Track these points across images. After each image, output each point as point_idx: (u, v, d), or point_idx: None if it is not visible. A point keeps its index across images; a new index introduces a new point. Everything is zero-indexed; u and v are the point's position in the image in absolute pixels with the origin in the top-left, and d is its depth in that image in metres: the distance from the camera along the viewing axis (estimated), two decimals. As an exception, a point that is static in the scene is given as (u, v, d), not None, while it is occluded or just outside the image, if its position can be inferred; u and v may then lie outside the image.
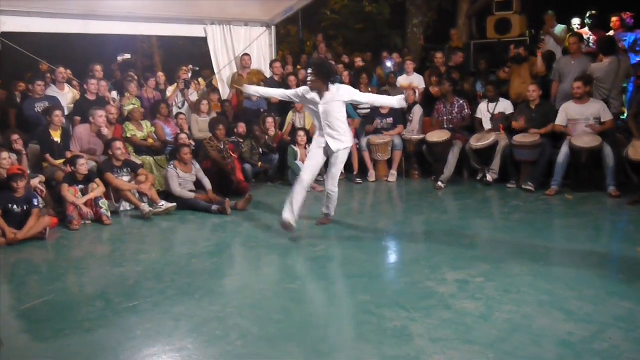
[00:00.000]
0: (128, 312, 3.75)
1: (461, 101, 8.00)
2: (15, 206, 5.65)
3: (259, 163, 8.20)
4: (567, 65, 7.54)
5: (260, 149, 8.17)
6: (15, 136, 6.51)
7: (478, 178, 7.74)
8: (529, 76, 7.92)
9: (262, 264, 5.00)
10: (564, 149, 6.73)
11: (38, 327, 3.62)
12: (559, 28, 9.08)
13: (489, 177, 7.37)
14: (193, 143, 7.62)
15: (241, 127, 8.31)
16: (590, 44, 8.82)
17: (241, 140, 8.17)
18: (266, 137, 8.18)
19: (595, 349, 3.00)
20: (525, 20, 9.87)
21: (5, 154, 6.08)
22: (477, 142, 7.44)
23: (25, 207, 5.69)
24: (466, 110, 7.98)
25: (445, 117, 8.02)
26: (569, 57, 7.68)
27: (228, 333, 3.37)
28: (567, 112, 6.97)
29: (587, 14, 9.25)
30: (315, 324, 3.47)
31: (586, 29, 9.20)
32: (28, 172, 6.17)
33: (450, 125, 7.92)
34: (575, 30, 9.27)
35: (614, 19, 8.81)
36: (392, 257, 4.97)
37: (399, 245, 5.22)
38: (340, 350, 3.12)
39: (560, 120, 7.00)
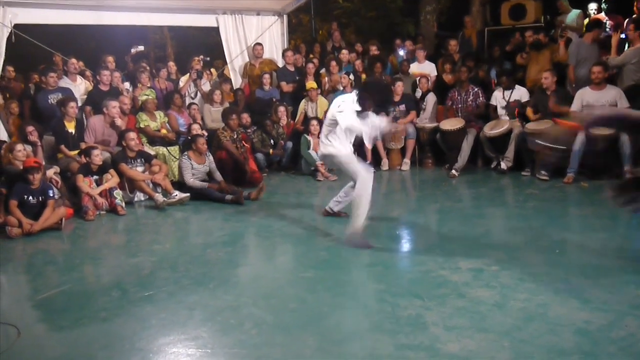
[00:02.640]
0: (144, 302, 3.78)
1: (476, 89, 7.94)
2: (31, 197, 5.70)
3: (271, 150, 8.19)
4: (584, 50, 7.45)
5: (272, 140, 8.16)
6: (30, 128, 6.55)
7: (492, 166, 7.68)
8: (548, 63, 7.81)
9: (276, 253, 5.01)
10: (580, 137, 6.64)
11: (55, 317, 3.66)
12: (574, 14, 8.95)
13: (503, 166, 7.31)
14: (206, 133, 7.63)
15: (244, 118, 8.25)
16: (607, 29, 8.69)
17: (249, 131, 8.17)
18: (275, 125, 8.15)
19: (612, 337, 2.97)
20: (540, 6, 9.73)
21: (20, 146, 6.12)
22: (491, 130, 7.38)
23: (41, 199, 5.73)
24: (481, 98, 7.91)
25: (459, 105, 7.96)
26: (585, 41, 7.58)
27: (243, 322, 3.38)
28: (583, 98, 6.88)
29: (604, -1, 9.12)
30: (330, 313, 3.47)
31: (603, 14, 9.06)
32: (43, 163, 6.22)
33: (465, 113, 7.86)
34: (592, 15, 9.14)
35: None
36: (406, 246, 4.96)
37: (413, 234, 5.20)
38: (355, 339, 3.12)
39: (575, 106, 6.91)
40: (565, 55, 7.70)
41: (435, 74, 8.80)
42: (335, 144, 5.02)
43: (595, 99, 6.78)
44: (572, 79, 7.61)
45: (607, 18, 8.90)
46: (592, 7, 9.37)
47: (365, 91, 5.02)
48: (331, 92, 8.82)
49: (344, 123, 4.88)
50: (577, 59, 7.52)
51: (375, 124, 5.00)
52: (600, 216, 5.36)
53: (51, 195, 5.79)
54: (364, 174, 4.83)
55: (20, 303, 4.02)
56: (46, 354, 3.18)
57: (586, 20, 9.19)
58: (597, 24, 7.89)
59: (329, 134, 5.07)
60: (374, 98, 4.99)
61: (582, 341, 2.95)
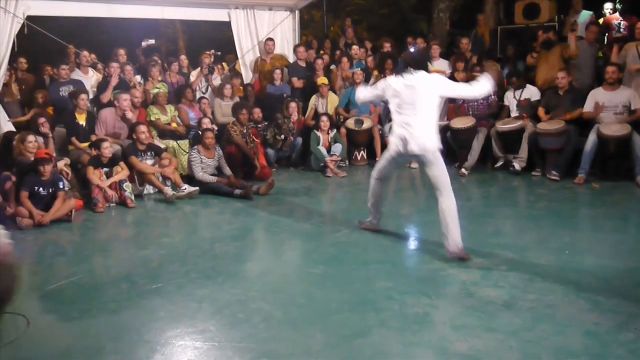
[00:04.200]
0: (152, 294, 3.80)
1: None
2: (41, 189, 5.73)
3: (281, 141, 8.14)
4: (582, 50, 7.50)
5: (283, 135, 8.16)
6: (42, 119, 6.60)
7: (497, 166, 7.64)
8: (558, 62, 7.75)
9: (284, 248, 5.02)
10: (591, 137, 6.60)
11: (64, 308, 3.69)
12: (585, 14, 8.89)
13: (517, 166, 7.22)
14: (216, 128, 7.64)
15: (256, 113, 8.26)
16: (622, 30, 8.62)
17: (260, 126, 8.17)
18: (285, 121, 8.14)
19: (622, 340, 2.96)
20: (555, 5, 9.65)
21: (31, 137, 6.15)
22: (503, 125, 7.33)
23: (51, 190, 5.77)
24: (492, 97, 7.87)
25: (471, 104, 7.92)
26: (583, 43, 7.59)
27: (251, 316, 3.39)
28: (596, 99, 6.83)
29: (618, -1, 9.05)
30: (338, 309, 3.47)
31: (617, 14, 8.99)
32: (54, 155, 6.25)
33: (476, 112, 7.82)
34: (607, 15, 9.07)
35: None
36: (415, 244, 4.95)
37: (422, 232, 5.19)
38: (362, 336, 3.12)
39: (588, 107, 6.87)
40: (576, 50, 7.63)
41: (450, 71, 8.75)
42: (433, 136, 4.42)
43: (608, 99, 6.74)
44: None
45: (621, 18, 8.83)
46: (608, 7, 9.30)
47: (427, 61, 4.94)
48: (342, 88, 8.81)
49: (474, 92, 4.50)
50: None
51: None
52: (611, 217, 5.33)
53: (61, 186, 5.82)
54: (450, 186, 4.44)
55: (30, 293, 4.04)
56: (55, 344, 3.20)
57: (600, 20, 9.12)
58: (596, 24, 7.90)
59: (429, 123, 4.41)
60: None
61: (591, 343, 2.94)
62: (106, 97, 7.49)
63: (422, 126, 4.37)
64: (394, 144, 4.52)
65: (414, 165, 7.42)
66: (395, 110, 4.51)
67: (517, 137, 7.26)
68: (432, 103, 4.42)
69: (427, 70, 4.58)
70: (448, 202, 4.37)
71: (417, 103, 4.38)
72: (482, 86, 4.45)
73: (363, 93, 4.88)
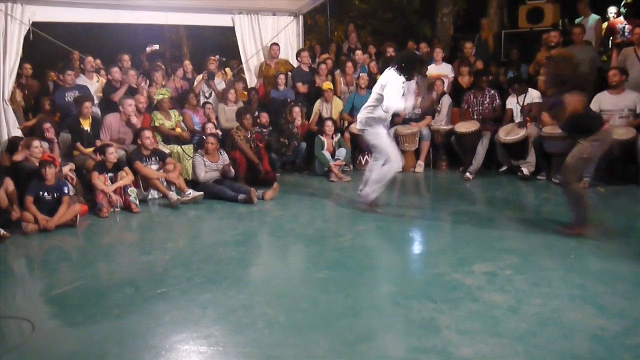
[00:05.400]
0: (157, 299, 3.80)
1: (492, 91, 7.89)
2: (46, 194, 5.75)
3: (284, 145, 8.13)
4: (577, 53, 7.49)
5: (287, 140, 8.16)
6: (47, 125, 6.62)
7: (501, 170, 7.62)
8: None
9: (289, 253, 5.02)
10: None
11: (69, 313, 3.69)
12: (593, 18, 8.87)
13: (525, 171, 7.18)
14: (220, 133, 7.65)
15: (264, 118, 8.30)
16: (626, 33, 8.60)
17: (265, 131, 8.18)
18: (289, 126, 8.15)
19: (628, 345, 2.94)
20: (559, 9, 9.64)
21: (37, 143, 6.17)
22: (506, 135, 7.31)
23: (56, 195, 5.78)
24: (497, 101, 7.86)
25: (475, 108, 7.91)
26: (574, 47, 7.58)
27: (255, 321, 3.39)
28: (601, 103, 6.80)
29: (623, 3, 9.04)
30: (342, 314, 3.46)
31: (621, 17, 8.97)
32: (59, 160, 6.27)
33: (480, 117, 7.81)
34: (612, 18, 9.06)
35: None
36: (420, 249, 4.94)
37: (427, 237, 5.18)
38: (367, 341, 3.11)
39: (592, 110, 6.84)
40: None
41: (453, 75, 8.75)
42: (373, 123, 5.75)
43: (613, 104, 6.71)
44: None
45: (625, 22, 8.81)
46: (612, 10, 9.28)
47: (405, 60, 5.61)
48: (346, 93, 8.81)
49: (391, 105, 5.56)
50: None
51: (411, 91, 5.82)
52: (616, 221, 5.31)
53: (66, 191, 5.83)
54: (396, 158, 5.78)
55: (35, 298, 4.06)
56: (60, 349, 3.20)
57: (605, 24, 9.10)
58: (580, 26, 7.94)
59: (370, 112, 5.77)
60: (414, 65, 5.64)
61: (597, 347, 2.92)
62: (117, 96, 7.52)
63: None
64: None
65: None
66: None
67: (522, 145, 7.23)
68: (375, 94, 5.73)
69: (402, 69, 5.54)
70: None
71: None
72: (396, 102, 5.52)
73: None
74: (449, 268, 4.16)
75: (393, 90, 5.51)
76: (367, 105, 5.84)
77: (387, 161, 5.77)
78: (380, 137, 5.81)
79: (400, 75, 5.55)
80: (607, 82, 6.83)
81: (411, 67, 5.59)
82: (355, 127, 6.07)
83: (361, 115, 5.88)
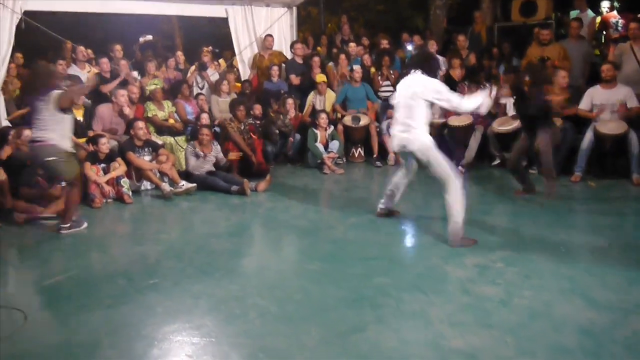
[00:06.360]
0: (149, 290, 3.80)
1: (487, 85, 7.89)
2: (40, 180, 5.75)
3: (276, 135, 8.12)
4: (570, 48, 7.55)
5: (277, 131, 8.15)
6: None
7: (494, 164, 7.65)
8: (556, 61, 7.74)
9: (281, 245, 5.03)
10: (588, 135, 6.62)
11: (61, 303, 3.69)
12: (590, 14, 8.90)
13: None
14: (216, 122, 7.64)
15: (257, 109, 8.28)
16: (619, 28, 8.64)
17: (258, 122, 8.17)
18: (281, 117, 8.14)
19: (617, 337, 2.97)
20: (552, 3, 9.66)
21: (27, 132, 6.11)
22: (499, 126, 7.34)
23: (47, 182, 5.78)
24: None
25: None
26: (569, 41, 7.61)
27: (247, 312, 3.40)
28: (593, 97, 6.83)
29: (616, -3, 9.07)
30: (334, 305, 3.48)
31: (615, 12, 9.00)
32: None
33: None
34: (605, 13, 9.09)
35: None
36: (412, 241, 4.96)
37: (419, 229, 5.20)
38: (358, 332, 3.13)
39: (584, 105, 6.87)
40: None
41: (445, 68, 8.75)
42: (419, 131, 4.66)
43: (605, 98, 6.74)
44: None
45: (619, 17, 8.84)
46: (605, 5, 9.31)
47: (428, 60, 4.92)
48: (340, 85, 8.80)
49: (464, 106, 4.64)
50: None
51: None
52: (607, 215, 5.34)
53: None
54: (454, 175, 4.59)
55: (27, 288, 4.06)
56: (52, 339, 3.20)
57: (598, 19, 9.13)
58: (578, 20, 7.96)
59: (408, 119, 4.68)
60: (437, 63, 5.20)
61: (586, 340, 2.95)
62: (107, 88, 7.49)
63: (409, 125, 4.69)
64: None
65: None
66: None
67: (514, 137, 7.26)
68: (419, 104, 4.64)
69: (427, 70, 4.74)
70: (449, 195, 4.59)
71: (402, 102, 4.75)
72: (471, 102, 4.67)
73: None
74: (441, 260, 4.19)
75: (446, 89, 4.64)
76: (411, 121, 4.66)
77: (447, 181, 4.58)
78: (438, 153, 4.66)
79: (427, 75, 4.72)
80: (600, 77, 6.86)
81: (436, 66, 5.11)
82: (414, 149, 4.69)
83: (414, 135, 4.66)
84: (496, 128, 7.36)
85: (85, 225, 5.34)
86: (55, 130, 4.96)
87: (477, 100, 4.66)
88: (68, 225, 5.22)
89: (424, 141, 4.64)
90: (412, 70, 4.80)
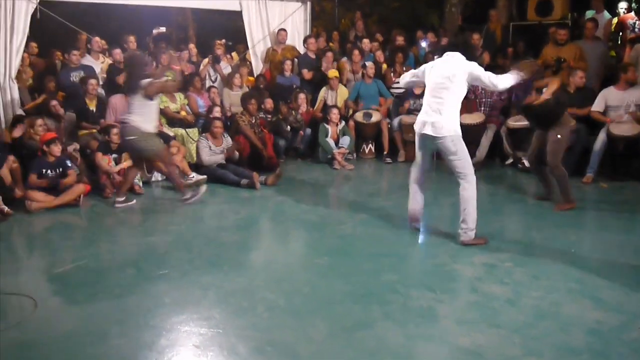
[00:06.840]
0: (158, 280, 3.83)
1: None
2: (49, 171, 5.79)
3: (287, 130, 8.13)
4: (586, 49, 7.48)
5: (288, 126, 8.15)
6: (54, 102, 6.65)
7: (507, 163, 7.61)
8: (572, 61, 7.67)
9: (290, 239, 5.04)
10: (601, 137, 6.56)
11: (71, 291, 3.73)
12: (606, 15, 8.81)
13: (526, 163, 7.19)
14: (230, 114, 7.65)
15: (269, 103, 8.28)
16: (636, 29, 8.56)
17: (269, 116, 8.17)
18: (293, 112, 8.14)
19: (625, 339, 2.96)
20: (568, 2, 9.57)
21: (40, 121, 6.19)
22: (515, 122, 7.30)
23: (59, 171, 5.82)
24: (506, 93, 7.83)
25: (483, 100, 7.87)
26: (584, 42, 7.53)
27: (255, 305, 3.42)
28: (607, 98, 6.77)
29: (634, -2, 8.99)
30: (342, 300, 3.49)
31: (632, 13, 8.92)
32: (64, 140, 6.28)
33: (488, 108, 7.77)
34: (622, 14, 9.00)
35: None
36: (421, 239, 4.94)
37: (428, 227, 5.19)
38: (365, 327, 3.13)
39: (597, 106, 6.80)
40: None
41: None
42: (452, 118, 4.47)
43: (619, 99, 6.68)
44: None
45: (636, 18, 8.76)
46: (622, 6, 9.22)
47: (469, 44, 4.91)
48: (352, 81, 8.79)
49: (500, 83, 4.42)
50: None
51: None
52: (618, 217, 5.31)
53: (69, 164, 5.88)
54: (473, 171, 4.55)
55: (38, 276, 4.09)
56: (61, 327, 3.24)
57: (615, 20, 9.05)
58: (593, 20, 7.94)
59: (440, 104, 4.47)
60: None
61: (593, 341, 2.94)
62: (122, 79, 7.53)
63: (441, 110, 4.48)
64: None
65: None
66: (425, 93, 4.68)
67: (528, 134, 7.22)
68: (456, 87, 4.45)
69: (466, 54, 4.57)
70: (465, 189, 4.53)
71: (435, 85, 4.50)
72: (505, 79, 4.45)
73: (404, 78, 5.00)
74: (449, 258, 4.18)
75: (482, 69, 4.47)
76: (443, 106, 4.48)
77: (466, 176, 4.55)
78: (463, 143, 4.54)
79: (466, 59, 4.53)
80: (617, 78, 6.80)
81: (474, 50, 4.94)
82: (437, 134, 4.46)
83: (447, 120, 4.47)
84: (511, 124, 7.31)
85: (134, 201, 5.93)
86: (141, 114, 5.49)
87: (511, 77, 4.47)
88: (123, 198, 5.83)
89: (456, 129, 4.51)
90: (448, 53, 4.59)
